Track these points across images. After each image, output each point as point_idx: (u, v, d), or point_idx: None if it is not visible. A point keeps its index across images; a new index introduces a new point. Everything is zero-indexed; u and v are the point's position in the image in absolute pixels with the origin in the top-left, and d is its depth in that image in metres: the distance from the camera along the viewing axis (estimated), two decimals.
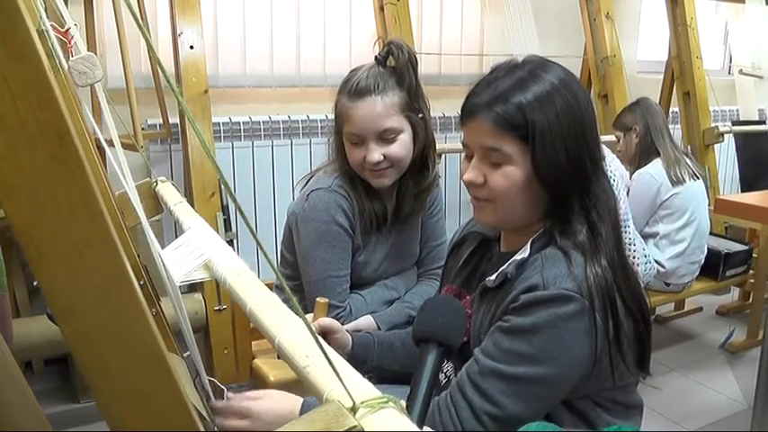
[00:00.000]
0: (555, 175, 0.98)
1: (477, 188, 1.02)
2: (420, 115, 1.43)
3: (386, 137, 1.39)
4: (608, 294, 0.94)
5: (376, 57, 1.43)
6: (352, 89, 1.39)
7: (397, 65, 1.41)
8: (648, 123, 2.67)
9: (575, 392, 0.98)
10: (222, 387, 1.10)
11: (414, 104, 1.42)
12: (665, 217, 2.61)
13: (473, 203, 1.07)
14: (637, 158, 2.70)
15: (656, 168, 2.61)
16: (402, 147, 1.41)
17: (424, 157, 1.49)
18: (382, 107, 1.37)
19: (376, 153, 1.39)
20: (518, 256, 1.01)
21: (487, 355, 0.96)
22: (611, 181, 2.27)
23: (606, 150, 2.36)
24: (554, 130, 0.96)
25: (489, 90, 0.99)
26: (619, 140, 2.77)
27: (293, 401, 1.00)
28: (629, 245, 2.32)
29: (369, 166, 1.40)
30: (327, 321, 1.22)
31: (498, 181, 0.99)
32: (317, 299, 1.25)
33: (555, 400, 0.98)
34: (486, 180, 1.01)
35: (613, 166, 2.31)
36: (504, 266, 1.02)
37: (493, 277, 1.04)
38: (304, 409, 0.98)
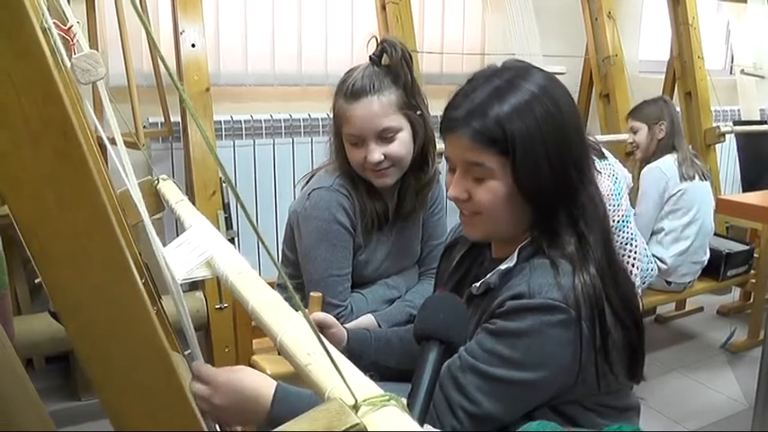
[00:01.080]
0: (537, 187, 0.97)
1: (462, 203, 1.02)
2: (418, 112, 1.43)
3: (385, 136, 1.39)
4: (596, 303, 0.93)
5: (370, 56, 1.43)
6: (349, 90, 1.38)
7: (391, 63, 1.40)
8: (674, 120, 2.68)
9: (559, 398, 0.98)
10: None
11: (411, 102, 1.42)
12: (670, 213, 2.61)
13: (461, 218, 1.07)
14: (657, 153, 2.69)
15: (666, 163, 2.61)
16: (402, 145, 1.41)
17: (424, 153, 1.49)
18: (379, 107, 1.37)
19: (376, 153, 1.39)
20: (503, 266, 1.01)
21: (470, 353, 0.96)
22: (614, 179, 2.26)
23: (607, 152, 2.35)
24: (534, 142, 0.95)
25: (467, 102, 0.98)
26: (636, 132, 2.75)
27: (266, 383, 0.94)
28: (630, 242, 2.31)
29: (370, 166, 1.40)
30: (322, 316, 1.22)
31: (482, 196, 0.99)
32: (311, 293, 1.25)
33: (533, 403, 0.97)
34: (471, 195, 1.00)
35: (616, 167, 2.30)
36: (487, 276, 1.03)
37: (477, 284, 1.04)
38: (279, 393, 0.94)
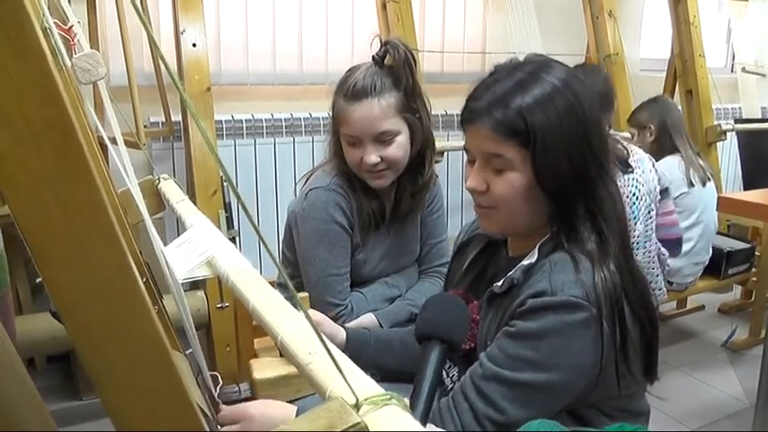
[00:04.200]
0: (557, 180, 0.96)
1: (480, 195, 1.01)
2: (417, 115, 1.43)
3: (383, 139, 1.39)
4: (616, 302, 0.93)
5: (373, 56, 1.42)
6: (349, 91, 1.38)
7: (394, 65, 1.40)
8: (666, 122, 2.67)
9: (580, 401, 0.97)
10: (214, 386, 1.11)
11: (411, 105, 1.41)
12: None
13: (477, 211, 1.06)
14: (657, 155, 2.68)
15: (668, 165, 2.60)
16: (399, 148, 1.41)
17: (421, 156, 1.48)
18: (379, 110, 1.37)
19: (373, 155, 1.39)
20: (525, 261, 1.00)
21: (492, 359, 0.96)
22: (634, 199, 2.17)
23: (642, 157, 2.26)
24: (555, 135, 0.94)
25: (488, 94, 0.97)
26: (633, 137, 2.76)
27: (288, 410, 1.02)
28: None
29: (366, 167, 1.40)
30: (310, 312, 1.22)
31: (501, 188, 0.98)
32: (299, 294, 1.25)
33: (558, 406, 0.97)
34: (489, 187, 0.99)
35: (642, 179, 2.23)
36: (511, 272, 1.01)
37: (500, 283, 1.02)
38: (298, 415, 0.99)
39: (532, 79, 0.96)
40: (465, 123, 1.01)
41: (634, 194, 2.21)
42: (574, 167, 0.96)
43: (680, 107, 3.53)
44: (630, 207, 2.20)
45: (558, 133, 0.95)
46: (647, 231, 2.24)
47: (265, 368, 1.15)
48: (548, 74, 0.97)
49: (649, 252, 2.28)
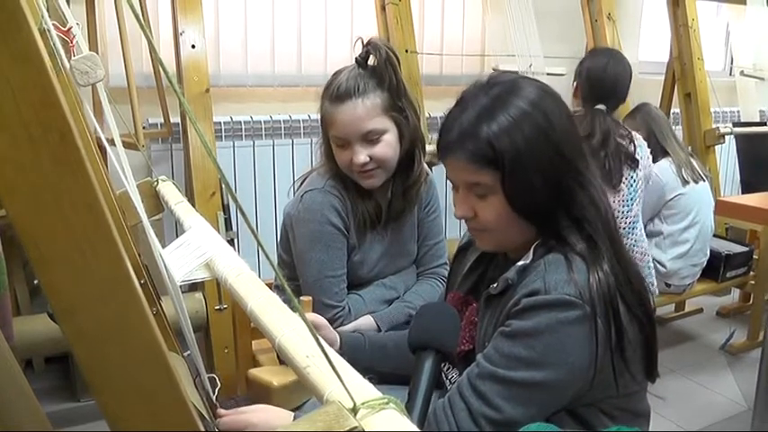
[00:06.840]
0: (532, 201, 0.98)
1: (469, 221, 1.04)
2: (404, 114, 1.43)
3: (370, 138, 1.40)
4: (611, 301, 0.93)
5: (356, 58, 1.43)
6: (334, 93, 1.39)
7: (376, 65, 1.41)
8: (652, 127, 2.67)
9: (578, 400, 0.98)
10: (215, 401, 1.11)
11: (397, 104, 1.42)
12: (668, 217, 2.61)
13: (469, 232, 1.09)
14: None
15: (661, 168, 2.60)
16: (387, 147, 1.42)
17: (410, 155, 1.49)
18: (363, 110, 1.37)
19: (362, 155, 1.39)
20: (520, 262, 1.01)
21: (488, 359, 0.96)
22: (632, 184, 2.23)
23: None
24: (524, 158, 0.96)
25: (457, 125, 1.00)
26: None
27: (286, 416, 1.03)
28: (632, 247, 2.30)
29: (356, 168, 1.41)
30: (311, 317, 1.22)
31: (487, 213, 1.01)
32: (301, 297, 1.26)
33: (554, 405, 0.97)
34: (476, 213, 1.02)
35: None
36: (506, 273, 1.03)
37: (495, 284, 1.04)
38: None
39: (498, 104, 0.98)
40: (441, 156, 1.04)
41: (632, 186, 2.24)
42: (548, 185, 0.98)
43: (678, 110, 3.55)
44: (628, 189, 2.23)
45: (527, 156, 0.96)
46: (634, 222, 2.28)
47: (278, 374, 1.16)
48: (514, 95, 0.98)
49: (641, 232, 2.32)
